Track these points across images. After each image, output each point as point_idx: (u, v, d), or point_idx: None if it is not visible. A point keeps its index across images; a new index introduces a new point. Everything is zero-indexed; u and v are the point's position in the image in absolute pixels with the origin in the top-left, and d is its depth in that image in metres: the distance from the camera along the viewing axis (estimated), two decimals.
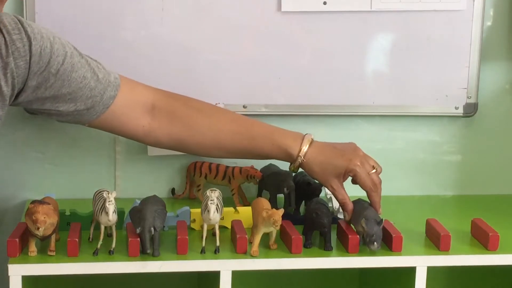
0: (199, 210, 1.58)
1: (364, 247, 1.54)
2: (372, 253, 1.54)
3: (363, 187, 1.58)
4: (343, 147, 1.61)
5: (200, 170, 1.82)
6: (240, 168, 1.78)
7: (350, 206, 1.58)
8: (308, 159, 1.58)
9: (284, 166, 1.81)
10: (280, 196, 1.75)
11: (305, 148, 1.58)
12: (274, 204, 1.73)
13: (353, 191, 1.89)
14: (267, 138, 1.60)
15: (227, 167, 1.80)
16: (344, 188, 1.60)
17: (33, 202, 1.47)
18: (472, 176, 2.02)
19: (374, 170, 1.59)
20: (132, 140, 1.88)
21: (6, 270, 1.45)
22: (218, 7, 1.82)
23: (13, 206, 1.87)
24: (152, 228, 1.48)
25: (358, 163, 1.57)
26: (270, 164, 1.84)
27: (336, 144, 1.63)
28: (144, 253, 1.49)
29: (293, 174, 1.69)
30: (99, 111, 1.52)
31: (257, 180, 1.76)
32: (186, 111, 1.60)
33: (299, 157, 1.58)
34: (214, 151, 1.63)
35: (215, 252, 1.52)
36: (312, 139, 1.60)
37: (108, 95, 1.52)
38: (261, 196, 1.82)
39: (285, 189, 1.71)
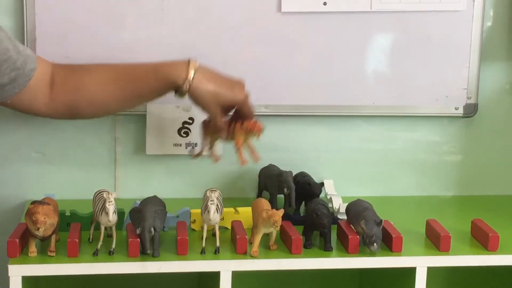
0: (199, 210, 1.58)
1: (364, 247, 1.54)
2: (372, 254, 1.54)
3: (249, 115, 1.59)
4: (228, 77, 1.59)
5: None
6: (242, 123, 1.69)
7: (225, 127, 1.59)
8: (196, 86, 1.53)
9: (285, 166, 1.81)
10: (280, 196, 1.75)
11: (191, 72, 1.53)
12: (274, 205, 1.73)
13: (353, 191, 1.90)
14: (150, 73, 1.55)
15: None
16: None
17: (33, 202, 1.47)
18: (472, 177, 2.02)
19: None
20: (132, 140, 1.89)
21: (6, 270, 1.45)
22: (218, 7, 1.82)
23: (13, 206, 1.87)
24: (152, 229, 1.48)
25: (245, 94, 1.58)
26: (270, 164, 1.84)
27: (219, 72, 1.59)
28: (144, 254, 1.49)
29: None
30: (22, 84, 1.51)
31: (258, 135, 1.65)
32: (75, 76, 1.58)
33: (186, 81, 1.52)
34: (107, 106, 1.59)
35: (215, 253, 1.52)
36: (197, 63, 1.55)
37: (29, 67, 1.51)
38: (261, 196, 1.82)
39: (285, 189, 1.71)
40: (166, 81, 1.54)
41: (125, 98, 1.58)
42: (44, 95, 1.56)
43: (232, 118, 1.62)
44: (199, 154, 1.68)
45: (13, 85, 1.49)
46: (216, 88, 1.55)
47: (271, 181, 1.77)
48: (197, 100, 1.55)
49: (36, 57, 1.54)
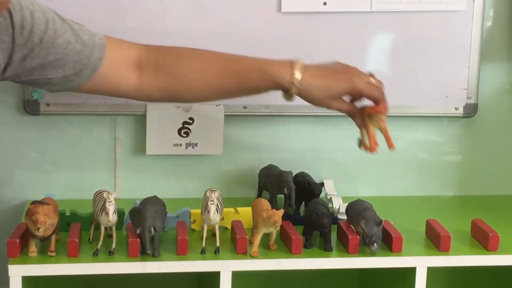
0: (199, 210, 1.58)
1: (364, 247, 1.54)
2: (372, 254, 1.54)
3: (371, 98, 1.52)
4: (335, 68, 1.55)
5: None
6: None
7: (357, 109, 1.54)
8: (305, 86, 1.50)
9: (285, 166, 1.81)
10: (280, 196, 1.75)
11: (298, 74, 1.50)
12: (274, 205, 1.73)
13: (353, 191, 1.90)
14: (255, 71, 1.52)
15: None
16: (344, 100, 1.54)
17: (33, 202, 1.47)
18: (472, 177, 2.02)
19: (371, 76, 1.54)
20: (132, 140, 1.89)
21: (6, 270, 1.45)
22: (218, 7, 1.82)
23: (13, 207, 1.87)
24: (152, 229, 1.48)
25: (357, 80, 1.51)
26: (270, 164, 1.84)
27: (326, 65, 1.55)
28: (144, 254, 1.49)
29: (290, 100, 1.55)
30: (88, 74, 1.47)
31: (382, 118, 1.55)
32: (170, 60, 1.55)
33: (293, 85, 1.50)
34: (206, 95, 1.57)
35: (215, 253, 1.52)
36: (302, 63, 1.52)
37: (96, 57, 1.47)
38: (261, 196, 1.82)
39: (285, 189, 1.71)
40: (271, 81, 1.51)
41: (226, 90, 1.55)
42: (129, 79, 1.52)
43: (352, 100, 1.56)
44: (367, 147, 1.57)
45: (79, 76, 1.46)
46: (325, 83, 1.51)
47: (271, 181, 1.77)
48: (309, 99, 1.53)
49: (104, 44, 1.49)
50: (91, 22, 1.78)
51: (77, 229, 1.53)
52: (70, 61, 1.44)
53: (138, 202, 1.58)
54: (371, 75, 1.53)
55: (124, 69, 1.52)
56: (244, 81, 1.53)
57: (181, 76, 1.53)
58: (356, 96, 1.54)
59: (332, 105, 1.53)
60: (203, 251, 1.52)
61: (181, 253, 1.51)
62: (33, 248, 1.49)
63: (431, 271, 1.55)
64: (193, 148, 1.87)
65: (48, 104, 1.81)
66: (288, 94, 1.52)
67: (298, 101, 1.89)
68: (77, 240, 1.48)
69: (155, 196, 1.58)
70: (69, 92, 1.51)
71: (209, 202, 1.51)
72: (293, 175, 1.79)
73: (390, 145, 1.55)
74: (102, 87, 1.51)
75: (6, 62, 1.39)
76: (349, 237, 1.54)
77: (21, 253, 1.48)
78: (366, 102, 1.54)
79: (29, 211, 1.46)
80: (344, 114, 1.55)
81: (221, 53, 1.57)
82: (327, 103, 1.53)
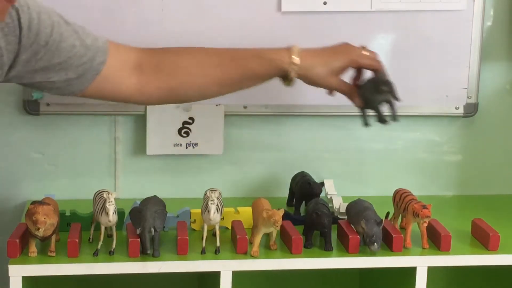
0: (199, 210, 1.57)
1: (365, 247, 1.54)
2: (373, 253, 1.54)
3: (370, 68, 1.55)
4: (329, 46, 1.57)
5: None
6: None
7: (354, 90, 1.55)
8: (304, 66, 1.52)
9: (285, 166, 1.81)
10: (280, 196, 1.75)
11: (296, 57, 1.51)
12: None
13: (353, 191, 1.90)
14: (254, 57, 1.53)
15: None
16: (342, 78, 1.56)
17: (33, 202, 1.47)
18: (472, 176, 2.02)
19: (363, 49, 1.56)
20: (132, 140, 1.89)
21: (6, 270, 1.45)
22: (218, 7, 1.82)
23: (13, 207, 1.87)
24: (152, 229, 1.48)
25: (353, 53, 1.54)
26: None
27: (322, 47, 1.57)
28: (144, 254, 1.49)
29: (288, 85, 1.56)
30: (90, 78, 1.47)
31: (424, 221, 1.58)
32: (168, 58, 1.54)
33: (293, 66, 1.51)
34: (208, 89, 1.56)
35: (215, 253, 1.52)
36: (298, 47, 1.53)
37: (98, 61, 1.47)
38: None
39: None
40: (270, 65, 1.52)
41: (228, 82, 1.55)
42: (130, 82, 1.51)
43: (355, 76, 1.57)
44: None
45: (81, 80, 1.46)
46: (323, 59, 1.53)
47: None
48: (310, 78, 1.54)
49: (107, 48, 1.49)
50: (91, 21, 1.78)
51: (77, 229, 1.53)
52: (73, 64, 1.44)
53: (138, 202, 1.58)
54: (364, 47, 1.56)
55: (125, 73, 1.51)
56: (244, 69, 1.53)
57: (180, 72, 1.53)
58: (354, 68, 1.56)
59: (332, 83, 1.54)
60: (203, 251, 1.52)
61: (181, 253, 1.51)
62: (33, 248, 1.49)
63: (432, 271, 1.55)
64: (193, 148, 1.87)
65: (48, 104, 1.82)
66: (288, 79, 1.53)
67: (298, 101, 1.89)
68: (77, 240, 1.48)
69: (155, 196, 1.58)
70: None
71: (209, 202, 1.51)
72: (293, 175, 1.79)
73: (424, 244, 1.59)
74: (103, 92, 1.51)
75: (11, 63, 1.39)
76: (349, 237, 1.54)
77: (21, 253, 1.48)
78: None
79: (29, 211, 1.46)
80: (343, 94, 1.56)
81: (215, 48, 1.57)
82: (328, 80, 1.54)
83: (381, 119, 1.53)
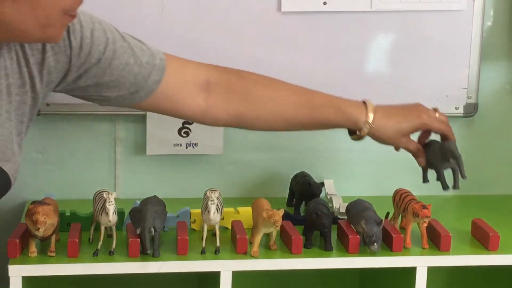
0: (199, 210, 1.57)
1: (365, 247, 1.54)
2: (373, 253, 1.54)
3: (439, 132, 1.54)
4: (402, 106, 1.56)
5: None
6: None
7: (421, 150, 1.55)
8: (377, 125, 1.51)
9: (285, 166, 1.81)
10: (280, 196, 1.75)
11: (371, 115, 1.51)
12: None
13: (353, 191, 1.90)
14: (331, 107, 1.52)
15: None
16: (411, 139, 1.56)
17: (33, 202, 1.47)
18: (472, 176, 1.99)
19: (436, 111, 1.55)
20: (132, 140, 1.89)
21: (6, 270, 1.45)
22: (218, 7, 1.82)
23: (13, 207, 1.87)
24: (152, 229, 1.48)
25: (425, 116, 1.53)
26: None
27: (393, 105, 1.56)
28: (144, 254, 1.49)
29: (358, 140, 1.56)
30: (143, 95, 1.42)
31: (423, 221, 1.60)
32: (242, 84, 1.50)
33: (367, 125, 1.50)
34: (276, 124, 1.54)
35: (215, 253, 1.52)
36: (373, 104, 1.53)
37: (153, 80, 1.41)
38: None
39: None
40: (346, 118, 1.51)
41: (297, 122, 1.54)
42: (195, 103, 1.46)
43: (422, 135, 1.57)
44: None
45: (134, 96, 1.41)
46: (395, 121, 1.52)
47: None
48: (380, 138, 1.53)
49: (164, 66, 1.42)
50: None
51: (77, 229, 1.53)
52: (126, 82, 1.39)
53: (138, 202, 1.58)
54: (436, 109, 1.55)
55: (189, 91, 1.46)
56: (318, 116, 1.52)
57: (253, 102, 1.49)
58: (424, 131, 1.55)
59: (401, 143, 1.54)
60: (203, 251, 1.52)
61: (181, 253, 1.51)
62: (33, 248, 1.49)
63: (431, 271, 1.55)
64: (193, 148, 1.87)
65: (48, 104, 1.81)
66: (357, 134, 1.52)
67: None
68: (77, 240, 1.48)
69: (155, 196, 1.58)
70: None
71: (209, 202, 1.51)
72: (293, 175, 1.79)
73: (424, 244, 1.59)
74: (161, 107, 1.46)
75: (59, 81, 1.36)
76: (349, 237, 1.54)
77: (21, 253, 1.48)
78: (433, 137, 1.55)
79: (29, 211, 1.46)
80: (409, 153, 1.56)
81: (294, 84, 1.55)
82: (397, 140, 1.53)
83: (443, 185, 1.53)
